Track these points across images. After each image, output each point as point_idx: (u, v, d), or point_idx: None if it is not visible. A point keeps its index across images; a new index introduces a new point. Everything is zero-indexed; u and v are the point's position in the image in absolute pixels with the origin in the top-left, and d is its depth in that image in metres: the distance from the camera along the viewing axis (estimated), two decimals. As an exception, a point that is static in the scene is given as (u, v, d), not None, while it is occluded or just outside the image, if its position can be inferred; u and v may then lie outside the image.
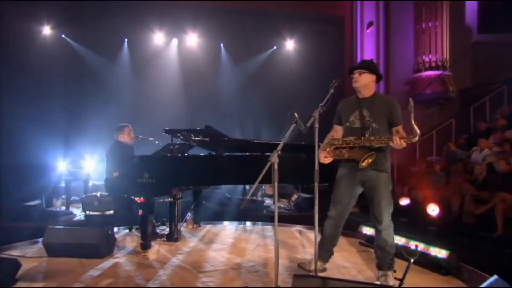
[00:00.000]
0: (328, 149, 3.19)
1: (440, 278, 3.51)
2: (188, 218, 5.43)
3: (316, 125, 2.95)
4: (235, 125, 9.21)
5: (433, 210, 6.15)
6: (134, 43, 9.87)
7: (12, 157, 7.51)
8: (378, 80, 3.31)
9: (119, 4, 9.12)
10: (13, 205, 6.35)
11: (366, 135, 3.14)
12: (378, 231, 3.28)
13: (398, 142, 2.97)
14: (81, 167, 7.29)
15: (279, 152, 2.88)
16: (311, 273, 3.25)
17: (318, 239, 3.07)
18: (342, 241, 4.76)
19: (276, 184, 2.91)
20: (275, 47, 10.63)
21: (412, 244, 3.84)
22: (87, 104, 8.72)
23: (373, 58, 9.95)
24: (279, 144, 3.39)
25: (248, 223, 5.93)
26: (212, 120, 8.85)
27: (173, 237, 4.67)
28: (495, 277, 2.81)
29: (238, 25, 9.92)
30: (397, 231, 4.10)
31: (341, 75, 10.26)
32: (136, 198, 4.11)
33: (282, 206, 7.32)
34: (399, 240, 4.00)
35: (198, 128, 4.52)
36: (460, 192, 6.09)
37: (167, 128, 4.62)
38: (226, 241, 4.78)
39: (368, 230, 4.53)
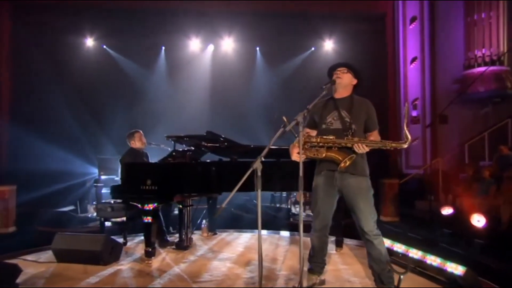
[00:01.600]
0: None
1: (457, 297, 3.16)
2: (203, 226, 5.42)
3: (301, 129, 2.82)
4: (270, 130, 9.10)
5: (478, 221, 5.61)
6: (171, 51, 10.17)
7: (51, 163, 7.99)
8: (357, 85, 3.24)
9: (158, 13, 9.45)
10: (46, 211, 6.75)
11: (349, 137, 2.97)
12: (369, 242, 3.03)
13: (360, 148, 2.88)
14: (114, 174, 7.60)
15: (263, 158, 2.78)
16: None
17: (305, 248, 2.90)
18: (360, 252, 4.49)
19: (259, 192, 2.81)
20: (313, 49, 10.42)
21: (429, 259, 3.51)
22: (123, 112, 9.09)
23: (417, 56, 9.41)
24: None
25: (265, 232, 5.79)
26: (245, 125, 8.94)
27: (182, 245, 4.67)
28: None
29: (275, 28, 9.84)
30: (431, 244, 3.78)
31: (384, 74, 9.85)
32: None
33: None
34: (415, 253, 3.68)
35: (200, 134, 4.50)
36: (511, 201, 5.52)
37: (169, 134, 4.64)
38: (236, 250, 4.69)
39: (389, 244, 4.19)
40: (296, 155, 3.04)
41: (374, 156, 8.80)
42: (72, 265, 4.08)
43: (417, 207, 8.00)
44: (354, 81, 3.20)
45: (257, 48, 10.44)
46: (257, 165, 2.75)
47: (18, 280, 3.55)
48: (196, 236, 5.30)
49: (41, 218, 6.50)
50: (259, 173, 2.76)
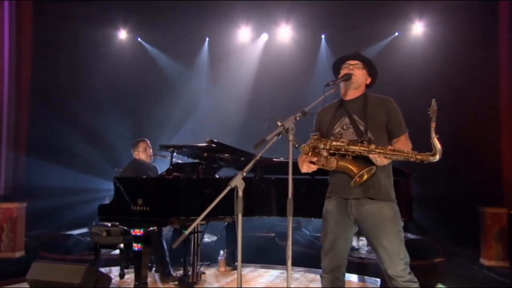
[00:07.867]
0: (310, 152, 2.84)
1: None
2: (220, 258, 5.37)
3: (291, 137, 2.67)
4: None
5: None
6: (216, 42, 10.25)
7: (70, 179, 8.41)
8: (369, 85, 3.13)
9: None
10: (52, 234, 7.15)
11: (364, 143, 2.76)
12: None
13: (378, 159, 2.66)
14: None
15: (244, 174, 2.67)
16: None
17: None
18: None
19: (240, 216, 2.70)
20: (397, 34, 9.94)
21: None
22: (156, 115, 9.41)
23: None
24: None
25: (302, 269, 5.57)
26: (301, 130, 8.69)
27: (186, 281, 4.65)
28: None
29: (347, 10, 9.56)
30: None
31: (494, 63, 9.03)
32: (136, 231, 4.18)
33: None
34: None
35: (200, 144, 4.49)
36: None
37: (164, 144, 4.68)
38: (249, 292, 4.57)
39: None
40: (307, 165, 2.89)
41: (473, 175, 8.00)
42: (48, 299, 4.21)
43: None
44: (369, 80, 3.09)
45: (323, 36, 10.23)
46: (238, 183, 2.66)
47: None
48: (211, 271, 5.26)
49: (45, 242, 6.85)
50: (241, 193, 2.68)
